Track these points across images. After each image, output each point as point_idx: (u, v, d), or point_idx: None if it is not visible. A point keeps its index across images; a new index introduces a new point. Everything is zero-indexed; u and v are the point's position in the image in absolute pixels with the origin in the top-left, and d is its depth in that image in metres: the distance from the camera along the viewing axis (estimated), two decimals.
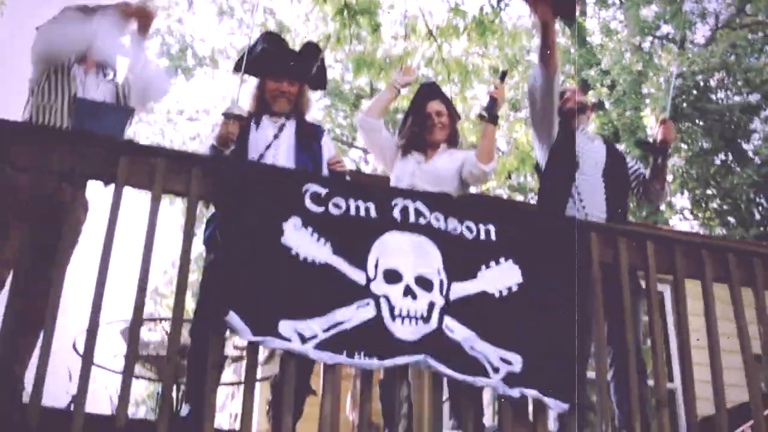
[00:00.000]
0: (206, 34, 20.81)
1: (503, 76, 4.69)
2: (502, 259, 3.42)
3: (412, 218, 3.43)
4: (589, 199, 4.38)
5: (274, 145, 3.98)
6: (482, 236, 3.48)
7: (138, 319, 3.09)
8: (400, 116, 6.81)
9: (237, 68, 4.01)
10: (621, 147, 5.97)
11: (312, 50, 4.42)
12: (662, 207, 12.77)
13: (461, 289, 3.33)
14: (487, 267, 3.38)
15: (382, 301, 3.20)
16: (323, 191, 3.36)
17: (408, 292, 3.24)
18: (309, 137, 4.13)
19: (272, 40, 4.39)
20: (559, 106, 4.50)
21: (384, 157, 4.60)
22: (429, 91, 4.69)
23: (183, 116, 16.97)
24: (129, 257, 3.44)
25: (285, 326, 3.04)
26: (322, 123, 15.32)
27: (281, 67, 4.14)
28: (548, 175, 4.60)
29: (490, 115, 4.31)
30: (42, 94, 3.84)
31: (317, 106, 16.16)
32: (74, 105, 3.74)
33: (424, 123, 4.46)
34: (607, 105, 13.54)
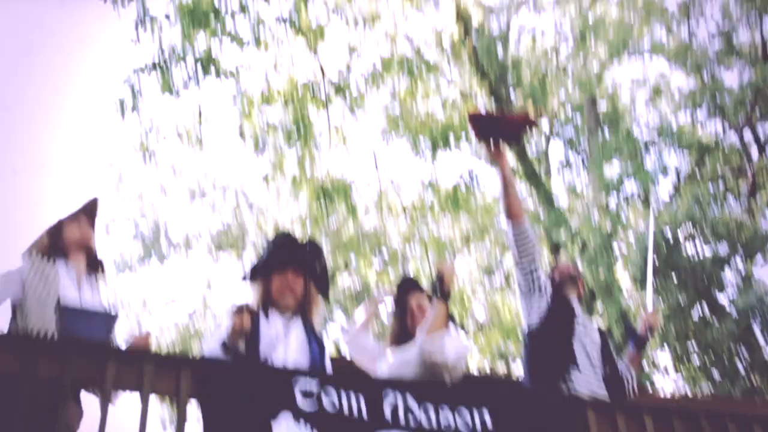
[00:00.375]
0: (179, 219, 21.03)
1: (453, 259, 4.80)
2: None
3: (401, 419, 3.34)
4: (588, 373, 4.34)
5: (285, 342, 3.89)
6: (478, 427, 3.38)
7: None
8: None
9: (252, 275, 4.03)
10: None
11: (315, 248, 4.40)
12: (644, 366, 12.68)
13: None
14: None
15: None
16: (314, 385, 3.29)
17: None
18: (314, 331, 4.08)
19: (279, 238, 4.44)
20: (556, 279, 4.58)
21: (374, 363, 4.54)
22: (408, 286, 4.73)
23: (158, 302, 16.84)
24: None
25: None
26: None
27: (286, 256, 4.11)
28: (540, 339, 4.53)
29: (441, 291, 4.28)
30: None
31: None
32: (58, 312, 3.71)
33: (405, 318, 4.51)
34: (580, 266, 13.67)
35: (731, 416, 3.93)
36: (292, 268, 4.06)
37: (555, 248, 14.22)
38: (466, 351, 4.46)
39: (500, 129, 4.32)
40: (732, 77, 16.54)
